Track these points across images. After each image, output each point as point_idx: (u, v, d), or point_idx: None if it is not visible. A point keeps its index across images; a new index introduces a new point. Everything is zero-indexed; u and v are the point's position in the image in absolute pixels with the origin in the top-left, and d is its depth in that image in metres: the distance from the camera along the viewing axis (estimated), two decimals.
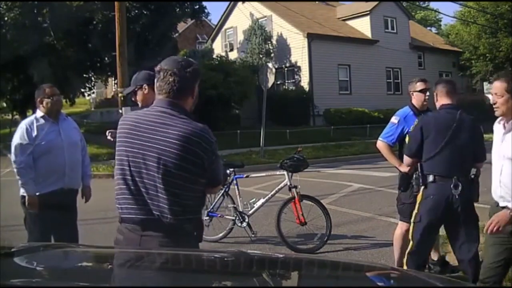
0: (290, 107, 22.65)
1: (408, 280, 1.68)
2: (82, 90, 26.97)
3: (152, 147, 2.20)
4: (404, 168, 4.04)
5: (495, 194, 3.25)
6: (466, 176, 3.68)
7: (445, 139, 3.63)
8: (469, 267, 3.67)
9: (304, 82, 24.79)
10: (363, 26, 26.64)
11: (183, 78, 2.29)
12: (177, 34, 25.63)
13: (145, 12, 20.23)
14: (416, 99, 4.50)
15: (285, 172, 5.94)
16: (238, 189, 6.15)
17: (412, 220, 3.82)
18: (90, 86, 26.82)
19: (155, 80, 2.35)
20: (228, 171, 6.06)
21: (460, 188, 3.58)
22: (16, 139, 3.99)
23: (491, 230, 3.07)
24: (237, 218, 6.01)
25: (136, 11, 20.09)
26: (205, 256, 2.11)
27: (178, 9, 21.79)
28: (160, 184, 2.19)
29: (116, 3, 11.32)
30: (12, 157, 4.00)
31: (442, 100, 3.82)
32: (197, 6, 22.77)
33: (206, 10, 24.43)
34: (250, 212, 6.12)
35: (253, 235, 5.97)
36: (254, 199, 6.29)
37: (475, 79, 29.29)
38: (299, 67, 25.12)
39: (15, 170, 4.01)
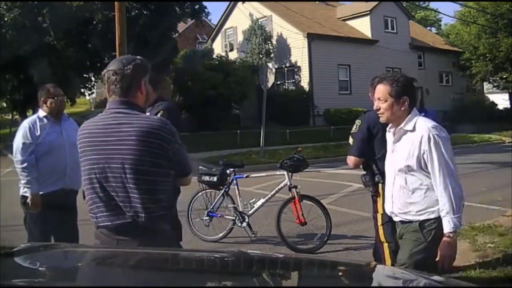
0: (290, 107, 22.65)
1: (408, 280, 1.69)
2: (82, 90, 26.98)
3: (114, 149, 2.20)
4: None
5: (387, 209, 3.06)
6: None
7: None
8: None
9: (304, 82, 24.78)
10: (363, 26, 26.64)
11: (125, 76, 2.30)
12: (177, 34, 25.62)
13: (145, 12, 20.22)
14: None
15: (285, 172, 5.94)
16: (238, 189, 6.15)
17: (379, 223, 3.83)
18: (90, 86, 26.82)
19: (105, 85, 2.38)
20: (228, 171, 6.06)
21: None
22: (19, 139, 3.98)
23: (449, 267, 2.80)
24: (237, 218, 6.01)
25: (136, 11, 20.08)
26: (205, 256, 2.11)
27: (178, 9, 21.78)
28: (130, 184, 2.20)
29: (116, 3, 11.31)
30: (15, 156, 3.99)
31: None
32: (197, 6, 22.75)
33: (206, 10, 24.44)
34: (250, 212, 6.12)
35: (253, 235, 5.98)
36: (254, 199, 6.29)
37: (475, 79, 29.30)
38: (299, 67, 25.12)
39: (18, 169, 3.99)
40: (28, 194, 3.96)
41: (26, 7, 18.45)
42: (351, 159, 3.91)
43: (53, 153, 3.99)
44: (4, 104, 28.88)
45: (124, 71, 2.30)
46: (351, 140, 3.90)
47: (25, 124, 4.05)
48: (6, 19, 18.37)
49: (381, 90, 2.87)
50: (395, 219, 3.02)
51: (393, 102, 2.83)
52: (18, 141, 3.98)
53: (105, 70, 2.35)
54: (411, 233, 2.88)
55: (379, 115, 2.93)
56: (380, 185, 3.76)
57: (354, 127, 3.87)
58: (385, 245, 3.83)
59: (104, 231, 2.27)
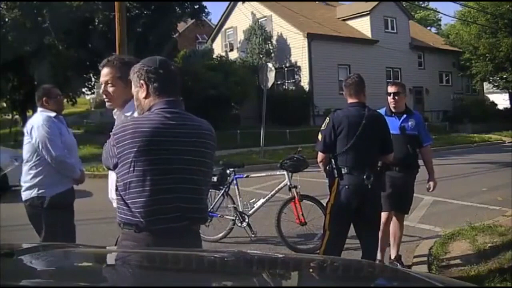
0: (290, 107, 22.65)
1: (408, 280, 1.69)
2: (83, 90, 26.99)
3: (182, 151, 2.17)
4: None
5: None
6: (375, 168, 3.96)
7: (355, 134, 3.85)
8: (368, 249, 4.02)
9: (304, 82, 24.79)
10: (363, 26, 26.65)
11: (176, 76, 2.34)
12: (177, 34, 25.63)
13: (145, 12, 20.24)
14: (388, 101, 4.74)
15: (285, 172, 5.94)
16: (238, 189, 6.15)
17: (327, 211, 4.02)
18: (90, 86, 26.83)
19: (147, 80, 2.26)
20: (228, 171, 6.06)
21: (371, 179, 3.84)
22: (47, 135, 3.85)
23: None
24: (237, 218, 6.01)
25: (136, 11, 20.09)
26: (205, 256, 2.11)
27: (178, 9, 21.79)
28: (195, 185, 2.21)
29: (116, 3, 11.30)
30: (51, 153, 3.82)
31: (349, 99, 4.05)
32: (197, 6, 22.77)
33: (206, 10, 24.45)
34: (250, 212, 6.12)
35: (253, 235, 5.97)
36: (254, 199, 6.29)
37: (475, 79, 29.30)
38: (299, 67, 25.13)
39: (57, 164, 3.87)
40: (46, 195, 3.87)
41: (26, 7, 18.46)
42: (318, 154, 4.13)
43: (69, 151, 3.99)
44: (4, 104, 28.84)
45: (177, 73, 2.33)
46: (319, 136, 4.09)
47: (45, 122, 3.90)
48: (6, 19, 18.39)
49: (107, 73, 2.66)
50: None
51: (121, 85, 2.65)
52: (47, 137, 3.84)
53: (156, 68, 2.26)
54: None
55: (106, 102, 2.70)
56: (336, 179, 3.96)
57: (324, 124, 4.07)
58: (326, 233, 4.02)
59: (153, 235, 2.14)
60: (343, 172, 3.90)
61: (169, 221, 2.14)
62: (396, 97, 4.64)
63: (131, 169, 2.13)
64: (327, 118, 4.06)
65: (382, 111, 4.61)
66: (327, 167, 4.06)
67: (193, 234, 2.26)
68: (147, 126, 2.17)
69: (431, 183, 4.85)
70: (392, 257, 4.85)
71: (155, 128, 2.16)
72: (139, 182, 2.13)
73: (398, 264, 4.77)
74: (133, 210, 2.15)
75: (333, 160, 3.97)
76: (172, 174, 2.16)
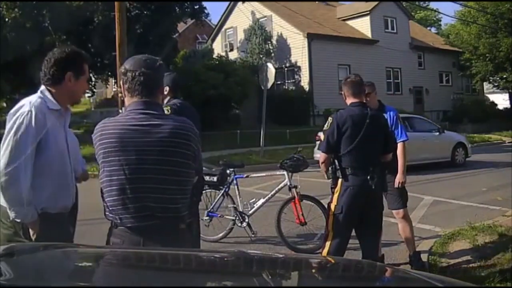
0: (290, 107, 22.65)
1: (408, 280, 1.69)
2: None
3: (147, 151, 2.17)
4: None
5: None
6: (378, 168, 3.94)
7: (360, 134, 3.83)
8: (368, 249, 4.02)
9: (304, 82, 24.78)
10: (363, 26, 26.65)
11: (152, 76, 2.27)
12: (177, 34, 25.61)
13: (145, 12, 20.22)
14: None
15: (285, 172, 5.94)
16: (238, 189, 6.15)
17: (332, 212, 3.99)
18: (90, 86, 26.83)
19: (122, 83, 2.31)
20: (228, 171, 6.07)
21: (375, 179, 3.84)
22: None
23: None
24: (237, 218, 6.01)
25: (136, 11, 20.08)
26: (205, 256, 2.11)
27: (178, 9, 21.78)
28: (163, 185, 2.19)
29: (116, 3, 11.30)
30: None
31: (350, 99, 4.04)
32: (197, 6, 22.75)
33: (206, 10, 24.45)
34: (250, 212, 6.12)
35: (253, 235, 5.98)
36: (254, 199, 6.29)
37: (475, 79, 29.30)
38: (299, 67, 25.12)
39: None
40: None
41: (26, 7, 18.45)
42: (321, 155, 4.09)
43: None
44: (4, 104, 28.85)
45: (152, 72, 2.27)
46: (322, 137, 4.09)
47: None
48: (6, 19, 18.37)
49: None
50: None
51: None
52: None
53: (125, 69, 2.28)
54: None
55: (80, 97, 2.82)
56: (340, 179, 3.94)
57: (327, 124, 4.04)
58: (330, 234, 4.00)
59: (129, 231, 2.22)
60: (347, 172, 3.89)
61: (136, 220, 2.19)
62: (367, 98, 4.63)
63: (102, 170, 2.23)
64: (330, 118, 4.04)
65: None
66: (330, 168, 4.04)
67: (175, 233, 2.25)
68: (112, 128, 2.22)
69: (396, 179, 4.76)
70: (411, 253, 4.85)
71: (120, 130, 2.20)
72: (108, 182, 2.21)
73: (412, 265, 4.71)
74: (111, 208, 2.24)
75: (336, 161, 3.95)
76: (138, 174, 2.18)
